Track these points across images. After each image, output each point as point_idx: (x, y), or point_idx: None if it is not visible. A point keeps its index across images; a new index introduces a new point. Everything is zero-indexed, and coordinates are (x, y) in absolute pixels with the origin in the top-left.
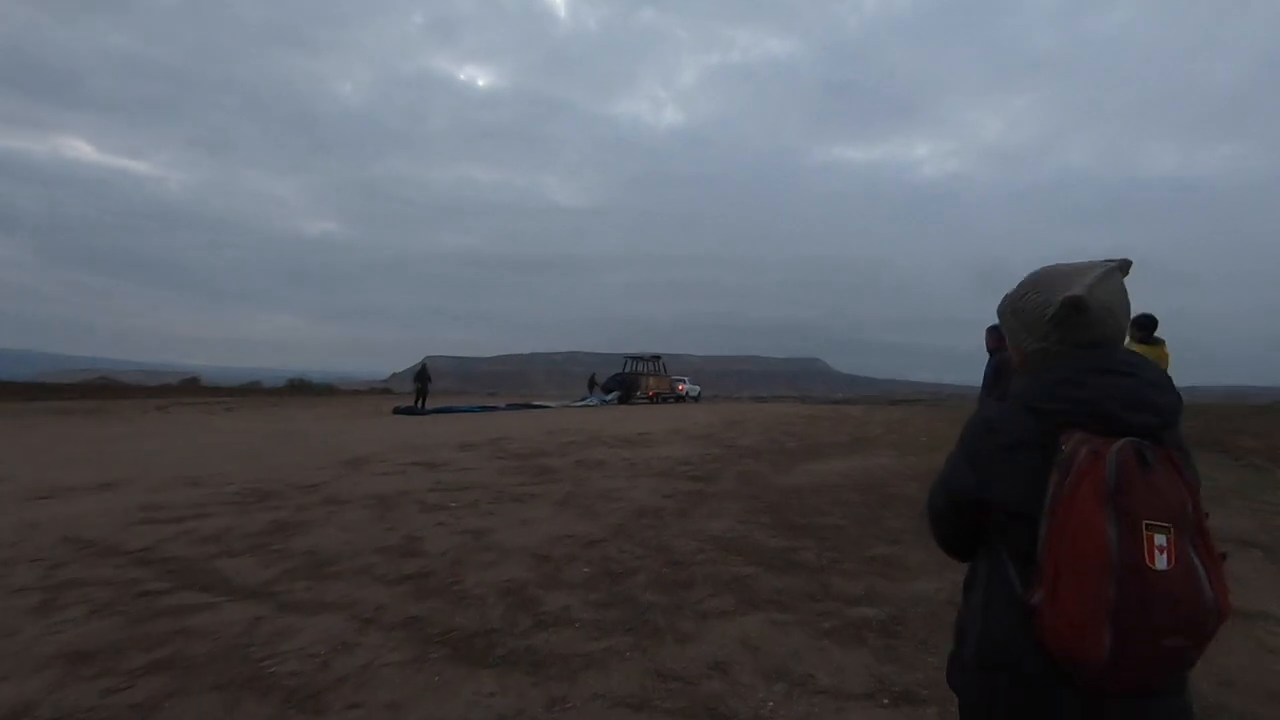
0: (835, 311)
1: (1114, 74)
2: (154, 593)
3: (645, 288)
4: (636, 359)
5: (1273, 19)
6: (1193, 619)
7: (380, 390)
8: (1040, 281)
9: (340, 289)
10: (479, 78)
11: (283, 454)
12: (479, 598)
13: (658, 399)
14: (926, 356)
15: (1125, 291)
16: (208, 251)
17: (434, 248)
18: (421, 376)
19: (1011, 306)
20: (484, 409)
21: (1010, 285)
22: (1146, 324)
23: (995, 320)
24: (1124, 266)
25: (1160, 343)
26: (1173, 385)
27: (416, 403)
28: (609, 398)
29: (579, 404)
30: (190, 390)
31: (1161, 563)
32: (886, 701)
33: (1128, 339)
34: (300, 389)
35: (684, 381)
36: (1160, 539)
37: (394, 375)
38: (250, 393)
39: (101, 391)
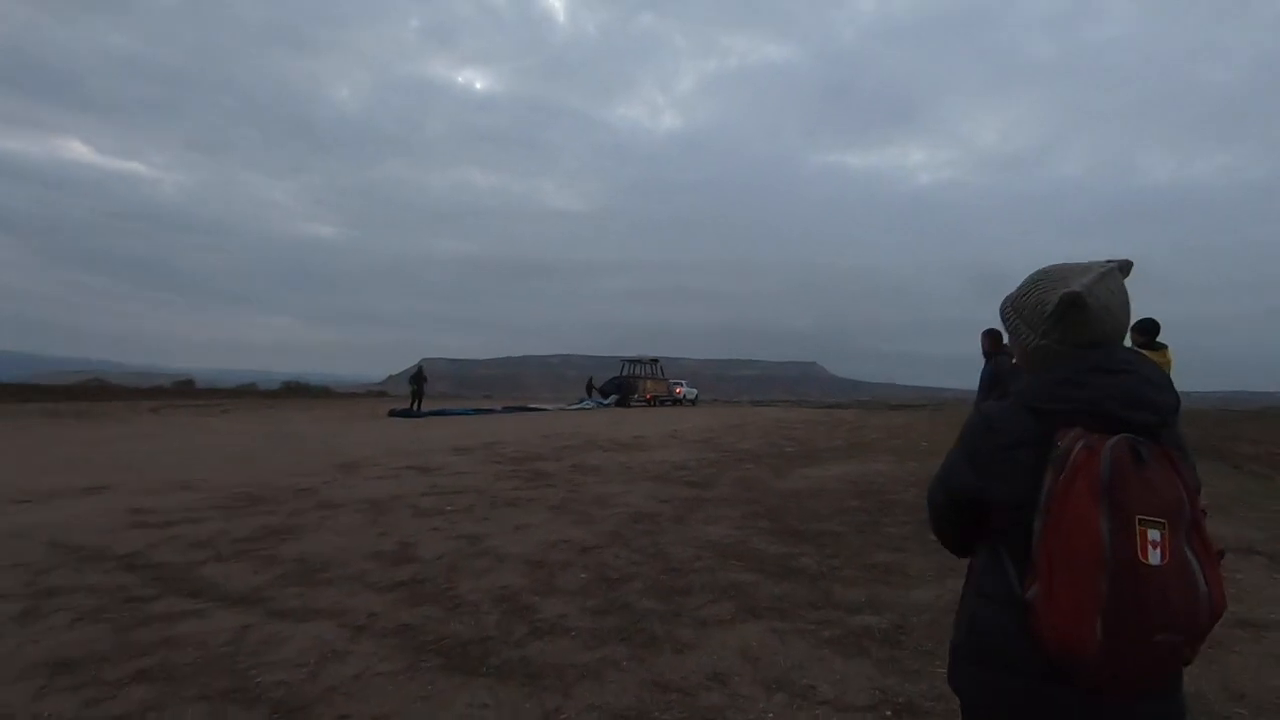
0: (832, 316)
1: (1111, 78)
2: (140, 599)
3: (643, 292)
4: (634, 362)
5: (1272, 21)
6: (1186, 615)
7: (376, 393)
8: (1042, 279)
9: (337, 292)
10: (477, 82)
11: (276, 457)
12: (473, 605)
13: (655, 402)
14: (922, 361)
15: (1125, 291)
16: (204, 254)
17: (431, 251)
18: (417, 379)
19: (1014, 304)
20: (480, 412)
21: (1007, 291)
22: (1149, 329)
23: (991, 324)
24: (1124, 267)
25: (1163, 347)
26: (1171, 384)
27: (412, 405)
28: (606, 401)
29: (575, 407)
30: (184, 393)
31: (1155, 558)
32: (890, 714)
33: (1129, 345)
34: (296, 391)
35: (681, 384)
36: (1154, 534)
37: (390, 378)
38: (245, 395)
39: (95, 393)
